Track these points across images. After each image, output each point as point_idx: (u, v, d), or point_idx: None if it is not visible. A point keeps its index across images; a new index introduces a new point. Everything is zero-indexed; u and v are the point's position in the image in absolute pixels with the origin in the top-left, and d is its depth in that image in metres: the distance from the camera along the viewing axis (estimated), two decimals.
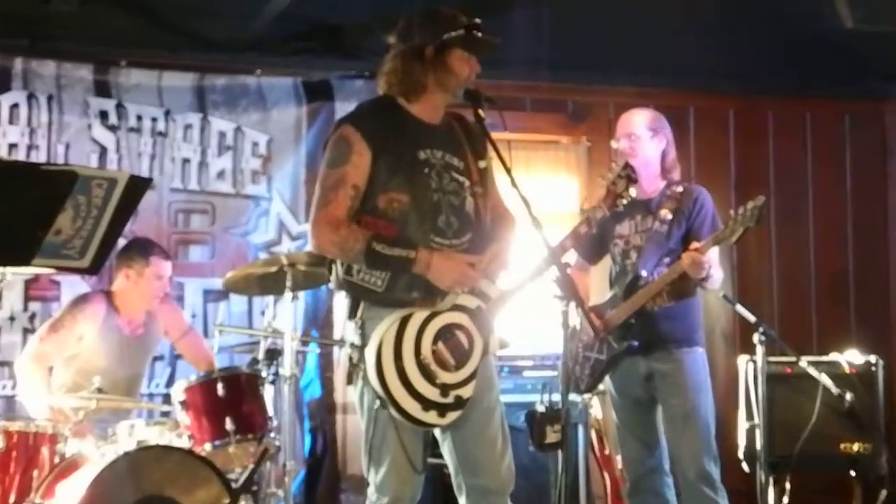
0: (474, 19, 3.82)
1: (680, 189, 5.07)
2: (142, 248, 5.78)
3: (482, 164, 3.95)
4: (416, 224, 3.83)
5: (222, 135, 6.73)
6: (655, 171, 5.08)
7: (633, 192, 4.32)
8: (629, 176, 4.30)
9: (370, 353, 3.75)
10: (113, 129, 6.48)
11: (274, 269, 5.50)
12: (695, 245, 4.85)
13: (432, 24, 3.83)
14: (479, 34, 3.83)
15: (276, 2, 6.06)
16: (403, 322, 3.77)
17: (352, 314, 3.86)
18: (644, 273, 4.99)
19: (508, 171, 3.74)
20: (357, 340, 3.81)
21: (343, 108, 6.62)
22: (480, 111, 3.83)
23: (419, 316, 3.81)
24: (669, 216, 5.01)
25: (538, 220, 3.66)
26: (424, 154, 3.88)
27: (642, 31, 6.42)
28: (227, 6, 6.21)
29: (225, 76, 6.69)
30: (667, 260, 4.99)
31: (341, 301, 3.92)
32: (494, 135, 3.90)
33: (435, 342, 3.80)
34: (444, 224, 3.86)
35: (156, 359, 6.24)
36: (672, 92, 7.23)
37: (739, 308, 5.49)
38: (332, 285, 3.95)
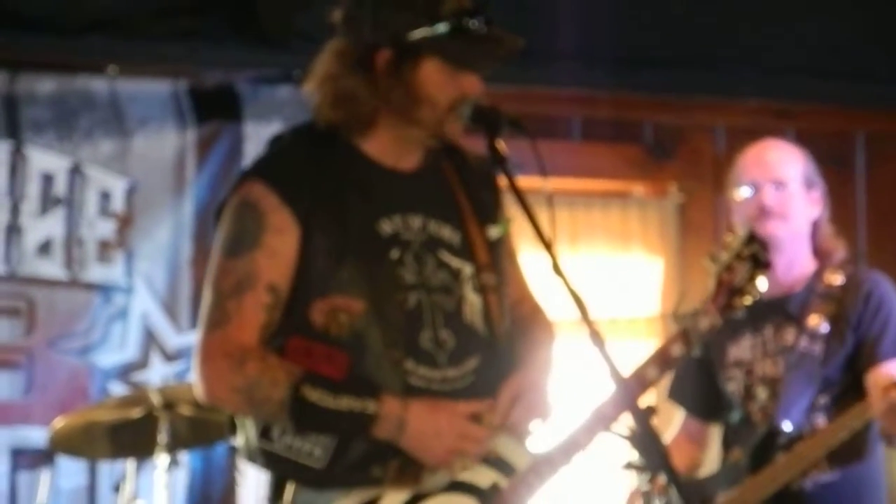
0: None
1: (840, 279, 4.36)
2: None
3: (495, 231, 3.26)
4: (380, 349, 3.12)
5: (47, 179, 5.77)
6: (803, 251, 4.35)
7: (761, 285, 3.62)
8: (756, 257, 3.60)
9: None
10: None
11: (137, 413, 4.85)
12: (885, 373, 4.16)
13: (394, 5, 3.14)
14: (480, 27, 3.09)
15: None
16: None
17: (275, 499, 3.17)
18: (786, 426, 4.22)
19: (548, 245, 3.01)
20: None
21: (258, 132, 5.77)
22: (499, 143, 3.10)
23: (392, 501, 3.19)
24: (826, 326, 4.26)
25: (598, 332, 2.97)
26: (391, 225, 3.20)
27: (776, 11, 5.83)
28: None
29: (52, 76, 5.69)
30: (824, 401, 4.24)
31: (256, 475, 3.69)
32: (523, 181, 3.14)
33: None
34: (429, 344, 3.13)
35: None
36: (828, 109, 6.24)
37: None
38: (238, 451, 3.32)
